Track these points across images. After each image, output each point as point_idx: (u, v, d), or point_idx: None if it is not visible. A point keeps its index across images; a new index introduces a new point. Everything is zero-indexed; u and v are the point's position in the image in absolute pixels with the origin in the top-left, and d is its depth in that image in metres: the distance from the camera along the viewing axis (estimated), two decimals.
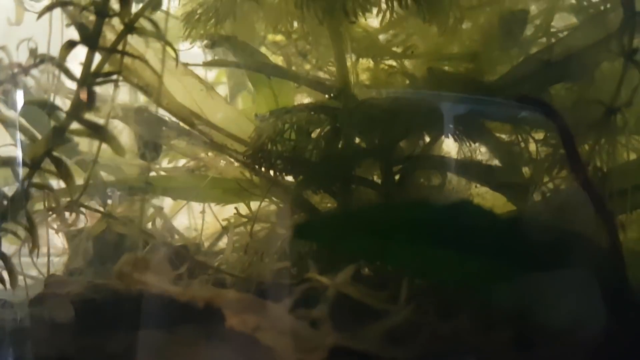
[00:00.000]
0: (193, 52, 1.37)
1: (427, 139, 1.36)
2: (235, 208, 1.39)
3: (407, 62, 1.40)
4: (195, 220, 1.60)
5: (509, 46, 1.26)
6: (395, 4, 1.17)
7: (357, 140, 1.32)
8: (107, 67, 1.01)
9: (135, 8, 1.04)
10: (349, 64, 1.37)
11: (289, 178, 1.32)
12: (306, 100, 1.44)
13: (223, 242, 1.46)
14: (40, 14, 0.91)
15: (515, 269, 0.80)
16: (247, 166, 1.29)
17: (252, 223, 1.26)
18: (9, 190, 1.10)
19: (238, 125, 1.26)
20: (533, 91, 1.21)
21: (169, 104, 1.08)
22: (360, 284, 0.97)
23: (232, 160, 1.27)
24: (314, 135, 1.27)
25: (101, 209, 1.26)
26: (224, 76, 1.62)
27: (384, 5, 1.18)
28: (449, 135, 1.27)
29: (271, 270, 1.11)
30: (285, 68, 1.27)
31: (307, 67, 1.41)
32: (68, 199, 1.14)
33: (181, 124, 1.17)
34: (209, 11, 1.18)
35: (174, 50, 0.97)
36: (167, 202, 1.68)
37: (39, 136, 1.05)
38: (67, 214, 1.20)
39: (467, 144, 1.29)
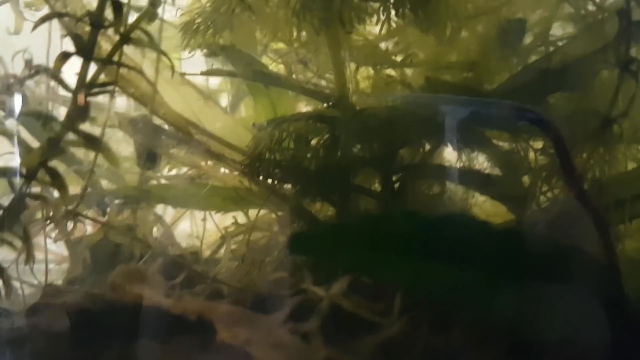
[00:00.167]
0: (197, 60, 1.37)
1: (427, 148, 1.36)
2: (234, 217, 1.39)
3: (407, 71, 1.40)
4: (198, 228, 1.60)
5: (507, 55, 1.25)
6: (392, 13, 1.16)
7: (356, 149, 1.31)
8: (104, 78, 1.01)
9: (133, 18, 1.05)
10: (348, 72, 1.37)
11: (288, 187, 1.32)
12: (306, 109, 1.44)
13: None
14: (36, 25, 0.91)
15: (509, 281, 0.80)
16: (245, 175, 1.29)
17: (249, 232, 1.25)
18: (6, 200, 1.10)
19: (236, 135, 1.26)
20: (531, 100, 1.20)
21: (166, 114, 1.08)
22: (357, 295, 0.96)
23: (231, 169, 1.26)
24: (312, 144, 1.27)
25: (99, 217, 1.26)
26: (228, 84, 1.63)
27: (382, 15, 1.16)
28: (448, 143, 1.27)
29: (267, 280, 1.10)
30: (283, 77, 1.27)
31: (309, 75, 1.40)
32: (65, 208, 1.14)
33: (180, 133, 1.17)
34: (206, 21, 1.18)
35: (170, 60, 0.97)
36: (170, 211, 1.69)
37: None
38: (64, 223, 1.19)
39: (466, 153, 1.28)
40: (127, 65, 0.93)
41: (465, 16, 1.21)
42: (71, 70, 1.01)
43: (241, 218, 1.44)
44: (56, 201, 0.97)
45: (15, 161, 1.03)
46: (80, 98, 0.97)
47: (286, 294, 1.02)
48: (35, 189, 1.08)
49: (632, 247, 1.31)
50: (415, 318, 0.83)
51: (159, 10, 1.28)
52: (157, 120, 1.18)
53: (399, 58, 1.40)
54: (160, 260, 1.19)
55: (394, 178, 1.34)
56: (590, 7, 1.16)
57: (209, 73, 1.23)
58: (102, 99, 1.08)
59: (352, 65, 1.39)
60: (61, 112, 1.10)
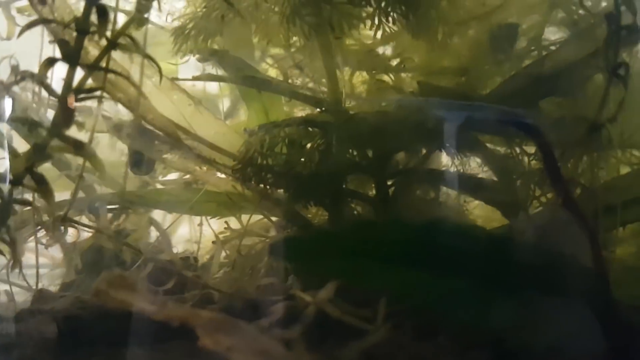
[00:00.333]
0: (198, 66, 1.37)
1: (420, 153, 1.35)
2: (226, 222, 1.39)
3: (404, 76, 1.39)
4: (197, 232, 1.59)
5: (499, 60, 1.25)
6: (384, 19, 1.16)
7: (349, 153, 1.31)
8: (92, 83, 1.01)
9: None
10: (344, 77, 1.37)
11: (281, 192, 1.32)
12: (301, 114, 1.43)
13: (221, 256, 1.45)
14: (21, 32, 0.90)
15: (494, 288, 0.79)
16: (238, 180, 1.29)
17: (241, 238, 1.25)
18: None
19: (227, 140, 1.25)
20: (523, 105, 1.19)
21: (154, 119, 1.08)
22: (345, 301, 0.96)
23: (222, 174, 1.26)
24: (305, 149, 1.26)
25: (90, 223, 1.26)
26: (228, 89, 1.63)
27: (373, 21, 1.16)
28: (441, 148, 1.26)
29: (257, 286, 1.10)
30: (275, 82, 1.27)
31: (305, 80, 1.40)
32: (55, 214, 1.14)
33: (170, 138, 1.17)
34: (197, 27, 1.18)
35: (157, 65, 0.96)
36: (171, 216, 1.69)
37: None
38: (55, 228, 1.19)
39: (460, 158, 1.28)
40: (114, 71, 0.93)
41: (457, 21, 1.20)
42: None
43: (238, 223, 1.44)
44: (44, 207, 0.97)
45: (3, 167, 1.02)
46: (70, 101, 0.97)
47: (276, 299, 1.01)
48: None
49: (627, 252, 1.30)
50: (400, 325, 0.82)
51: (156, 16, 1.30)
52: (146, 126, 1.18)
53: (395, 63, 1.39)
54: (150, 266, 1.19)
55: (388, 183, 1.34)
56: (583, 12, 1.15)
57: (200, 78, 1.23)
58: (96, 105, 1.08)
59: (347, 70, 1.38)
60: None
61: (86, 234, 1.39)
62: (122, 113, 1.15)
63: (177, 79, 1.20)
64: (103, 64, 0.98)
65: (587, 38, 1.12)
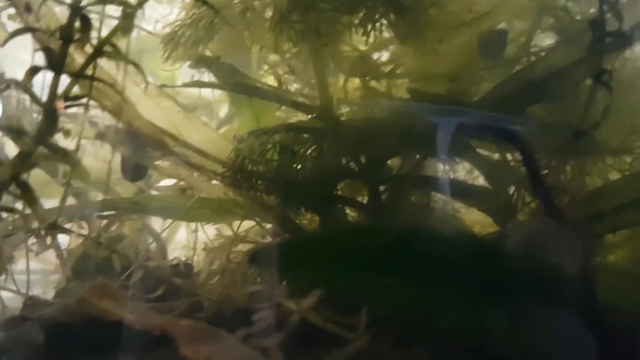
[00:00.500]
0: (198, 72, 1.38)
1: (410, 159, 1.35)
2: (217, 229, 1.39)
3: (399, 83, 1.39)
4: (196, 238, 1.59)
5: (489, 66, 1.25)
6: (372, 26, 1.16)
7: (340, 159, 1.31)
8: (79, 91, 1.01)
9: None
10: (338, 83, 1.37)
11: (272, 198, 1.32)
12: (295, 120, 1.43)
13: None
14: (6, 40, 0.91)
15: (476, 296, 0.79)
16: (230, 186, 1.29)
17: (231, 244, 1.25)
18: None
19: (217, 146, 1.26)
20: (512, 112, 1.19)
21: (141, 126, 1.08)
22: (335, 308, 0.96)
23: (213, 181, 1.26)
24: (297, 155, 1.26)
25: (83, 230, 1.26)
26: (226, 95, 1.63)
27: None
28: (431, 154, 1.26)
29: (245, 293, 1.10)
30: (265, 88, 1.27)
31: (299, 86, 1.40)
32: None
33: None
34: (186, 34, 1.18)
35: (142, 73, 0.97)
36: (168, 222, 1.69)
37: None
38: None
39: (450, 163, 1.28)
40: (98, 79, 0.93)
41: (446, 28, 1.20)
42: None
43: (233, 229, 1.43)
44: (32, 214, 0.97)
45: None
46: (60, 106, 0.97)
47: (263, 307, 1.01)
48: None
49: (621, 258, 1.30)
50: (381, 333, 0.82)
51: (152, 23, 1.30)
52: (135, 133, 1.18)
53: (388, 69, 1.39)
54: (139, 274, 1.19)
55: (380, 189, 1.34)
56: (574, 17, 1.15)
57: (189, 85, 1.23)
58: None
59: (339, 76, 1.38)
60: None
61: (80, 240, 1.39)
62: (110, 120, 1.15)
63: (165, 85, 1.20)
64: (90, 71, 0.98)
65: (575, 44, 1.11)
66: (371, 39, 1.26)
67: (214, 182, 1.34)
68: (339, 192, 1.34)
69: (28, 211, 1.08)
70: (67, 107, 0.93)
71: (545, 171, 1.04)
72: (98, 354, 1.02)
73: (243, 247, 1.36)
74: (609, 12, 0.97)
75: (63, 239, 1.48)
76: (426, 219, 1.35)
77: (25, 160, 0.90)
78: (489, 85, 1.25)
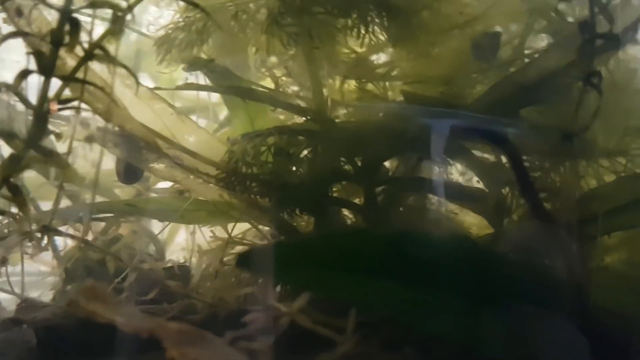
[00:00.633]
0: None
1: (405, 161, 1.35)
2: (212, 231, 1.39)
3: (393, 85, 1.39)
4: (194, 240, 1.59)
5: (482, 68, 1.25)
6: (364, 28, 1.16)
7: (334, 162, 1.31)
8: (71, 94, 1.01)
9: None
10: (334, 85, 1.37)
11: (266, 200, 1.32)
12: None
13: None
14: None
15: (464, 300, 0.79)
16: (224, 189, 1.29)
17: (224, 246, 1.25)
18: None
19: (212, 149, 1.26)
20: (506, 114, 1.19)
21: (133, 129, 1.08)
22: (320, 311, 0.96)
23: (206, 183, 1.26)
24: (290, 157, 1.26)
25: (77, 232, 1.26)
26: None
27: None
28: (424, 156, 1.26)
29: (237, 296, 1.10)
30: (258, 91, 1.27)
31: (295, 88, 1.41)
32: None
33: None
34: (178, 36, 1.18)
35: (134, 75, 0.97)
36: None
37: None
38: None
39: (444, 165, 1.28)
40: (88, 82, 0.93)
41: (439, 30, 1.20)
42: None
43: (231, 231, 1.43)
44: (24, 217, 0.97)
45: None
46: (53, 108, 0.97)
47: (255, 310, 1.01)
48: None
49: (618, 259, 1.30)
50: (369, 336, 0.82)
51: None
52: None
53: (383, 72, 1.39)
54: (133, 276, 1.19)
55: (375, 191, 1.34)
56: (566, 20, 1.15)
57: (182, 88, 1.23)
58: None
59: (335, 79, 1.38)
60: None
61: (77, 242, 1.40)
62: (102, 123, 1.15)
63: (159, 88, 1.21)
64: (81, 74, 0.98)
65: (568, 46, 1.11)
66: (366, 42, 1.26)
67: (210, 184, 1.34)
68: (335, 194, 1.34)
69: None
70: (59, 109, 0.93)
71: (538, 173, 1.04)
72: (90, 356, 1.02)
73: (238, 250, 1.36)
74: (600, 14, 0.97)
75: (62, 241, 1.49)
76: (422, 221, 1.35)
77: (16, 163, 0.90)
78: (483, 88, 1.24)
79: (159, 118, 1.16)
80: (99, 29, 1.03)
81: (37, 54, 0.90)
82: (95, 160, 1.48)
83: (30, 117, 1.11)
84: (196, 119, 1.60)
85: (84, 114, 1.05)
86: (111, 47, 1.00)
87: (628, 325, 1.02)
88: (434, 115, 1.07)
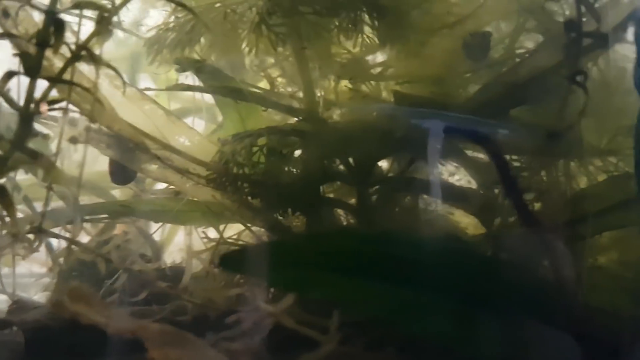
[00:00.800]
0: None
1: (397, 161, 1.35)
2: (203, 232, 1.39)
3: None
4: (190, 241, 1.59)
5: (474, 68, 1.24)
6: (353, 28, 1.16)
7: (326, 162, 1.30)
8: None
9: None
10: (329, 85, 1.37)
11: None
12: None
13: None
14: None
15: (446, 300, 0.79)
16: (215, 189, 1.29)
17: (215, 248, 1.25)
18: None
19: (203, 149, 1.26)
20: (496, 114, 1.19)
21: (121, 129, 1.08)
22: (307, 311, 0.96)
23: (197, 183, 1.26)
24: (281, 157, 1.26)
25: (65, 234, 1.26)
26: None
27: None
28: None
29: (227, 297, 1.10)
30: (252, 91, 1.27)
31: (290, 89, 1.40)
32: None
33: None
34: (169, 38, 1.18)
35: (120, 76, 0.97)
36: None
37: None
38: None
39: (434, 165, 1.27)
40: (74, 82, 0.93)
41: (430, 30, 1.20)
42: None
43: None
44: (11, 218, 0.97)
45: None
46: (43, 109, 0.97)
47: (241, 311, 1.01)
48: None
49: (612, 259, 1.29)
50: (352, 335, 0.82)
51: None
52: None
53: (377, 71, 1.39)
54: (124, 278, 1.19)
55: (369, 192, 1.33)
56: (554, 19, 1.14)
57: (173, 89, 1.23)
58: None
59: (329, 79, 1.38)
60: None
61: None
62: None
63: (148, 89, 1.21)
64: (68, 75, 0.98)
65: (558, 45, 1.11)
66: (359, 42, 1.25)
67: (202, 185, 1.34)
68: (330, 195, 1.34)
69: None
70: (49, 110, 0.93)
71: (526, 173, 1.04)
72: (77, 358, 1.02)
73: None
74: (588, 14, 0.96)
75: (58, 242, 1.49)
76: (415, 221, 1.34)
77: (2, 165, 0.90)
78: (475, 88, 1.24)
79: (148, 119, 1.16)
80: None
81: (22, 55, 0.89)
82: (88, 161, 1.48)
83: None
84: (193, 120, 1.60)
85: (72, 114, 1.05)
86: (99, 48, 1.00)
87: (620, 324, 1.02)
88: (417, 115, 1.06)
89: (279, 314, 0.85)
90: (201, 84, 1.35)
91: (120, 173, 1.41)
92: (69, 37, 1.01)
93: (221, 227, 1.39)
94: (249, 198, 1.27)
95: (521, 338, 0.81)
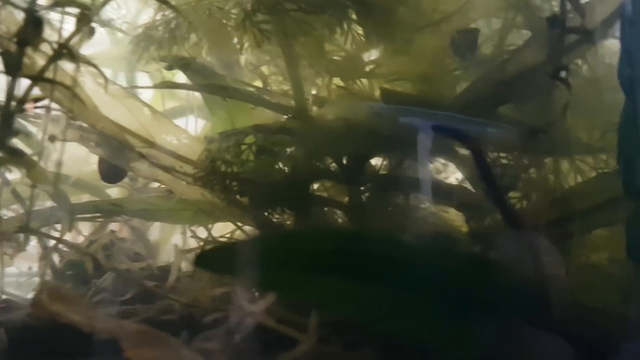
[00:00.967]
0: None
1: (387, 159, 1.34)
2: (192, 231, 1.39)
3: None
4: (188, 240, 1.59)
5: (463, 65, 1.23)
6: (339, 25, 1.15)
7: (315, 160, 1.30)
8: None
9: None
10: (321, 83, 1.36)
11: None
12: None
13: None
14: None
15: (421, 298, 0.78)
16: (203, 188, 1.29)
17: (202, 247, 1.24)
18: None
19: (190, 148, 1.25)
20: (485, 111, 1.18)
21: (105, 127, 1.08)
22: (289, 310, 0.95)
23: (184, 182, 1.26)
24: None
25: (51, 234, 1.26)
26: None
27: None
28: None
29: (212, 296, 1.09)
30: (237, 89, 1.26)
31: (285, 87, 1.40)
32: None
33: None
34: (155, 36, 1.18)
35: (102, 74, 0.96)
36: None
37: None
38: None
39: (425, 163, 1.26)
40: (55, 81, 0.93)
41: (417, 27, 1.19)
42: None
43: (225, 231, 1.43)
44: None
45: None
46: (29, 107, 0.97)
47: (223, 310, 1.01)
48: None
49: (603, 258, 1.28)
50: (329, 335, 0.81)
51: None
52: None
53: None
54: (111, 276, 1.19)
55: (360, 190, 1.33)
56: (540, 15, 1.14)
57: (162, 86, 1.22)
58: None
59: (320, 77, 1.37)
60: None
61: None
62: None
63: (136, 87, 1.20)
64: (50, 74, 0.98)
65: (545, 42, 1.10)
66: (349, 40, 1.25)
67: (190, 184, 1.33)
68: (322, 193, 1.33)
69: None
70: (35, 108, 0.93)
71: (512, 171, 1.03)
72: (61, 357, 1.02)
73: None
74: (573, 8, 0.95)
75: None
76: (407, 219, 1.34)
77: None
78: (464, 85, 1.24)
79: (134, 117, 1.15)
80: None
81: (3, 53, 0.89)
82: (82, 160, 1.48)
83: None
84: (190, 119, 1.60)
85: (55, 113, 1.04)
86: (81, 46, 1.00)
87: (610, 322, 1.01)
88: (401, 113, 1.06)
89: (259, 313, 0.84)
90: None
91: (110, 171, 1.41)
92: (53, 35, 1.01)
93: (209, 225, 1.39)
94: (238, 196, 1.26)
95: (506, 337, 0.81)
